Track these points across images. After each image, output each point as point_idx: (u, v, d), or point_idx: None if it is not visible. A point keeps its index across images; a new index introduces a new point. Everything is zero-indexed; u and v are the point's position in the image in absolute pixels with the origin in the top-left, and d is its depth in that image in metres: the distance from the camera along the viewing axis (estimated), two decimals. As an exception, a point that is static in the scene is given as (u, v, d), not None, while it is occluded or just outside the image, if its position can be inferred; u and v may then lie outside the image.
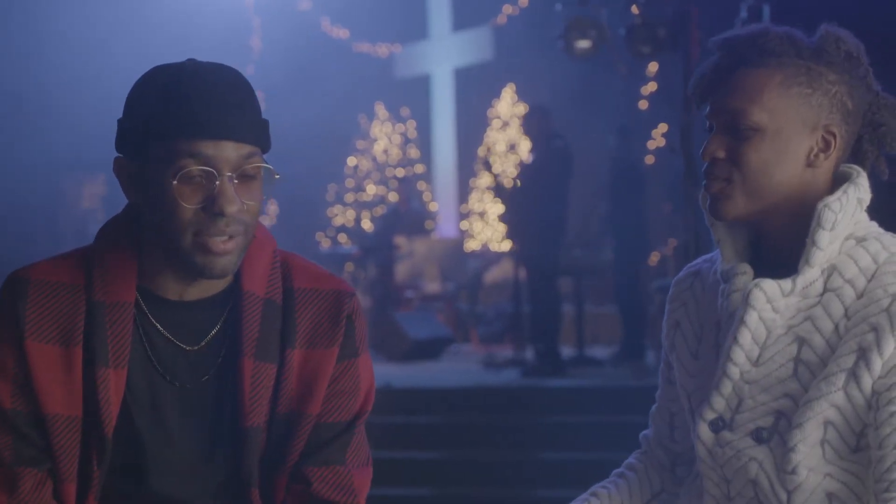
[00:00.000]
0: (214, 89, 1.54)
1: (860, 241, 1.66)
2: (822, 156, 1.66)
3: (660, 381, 1.94)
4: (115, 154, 1.61)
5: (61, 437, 1.57)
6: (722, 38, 1.72)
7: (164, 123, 1.52)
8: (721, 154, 1.67)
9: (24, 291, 1.58)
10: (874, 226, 1.69)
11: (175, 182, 1.52)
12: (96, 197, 12.47)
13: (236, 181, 1.55)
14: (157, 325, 1.63)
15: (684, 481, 1.90)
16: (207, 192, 1.53)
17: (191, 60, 1.59)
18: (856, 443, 1.62)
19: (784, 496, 1.64)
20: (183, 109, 1.52)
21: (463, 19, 13.79)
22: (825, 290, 1.64)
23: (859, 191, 1.66)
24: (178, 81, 1.54)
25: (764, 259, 1.72)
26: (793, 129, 1.65)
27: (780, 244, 1.70)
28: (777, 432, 1.64)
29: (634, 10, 6.31)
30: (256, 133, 1.58)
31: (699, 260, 1.89)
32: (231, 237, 1.55)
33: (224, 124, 1.53)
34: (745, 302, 1.65)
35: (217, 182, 1.53)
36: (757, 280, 1.65)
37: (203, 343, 1.64)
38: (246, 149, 1.56)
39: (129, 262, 1.61)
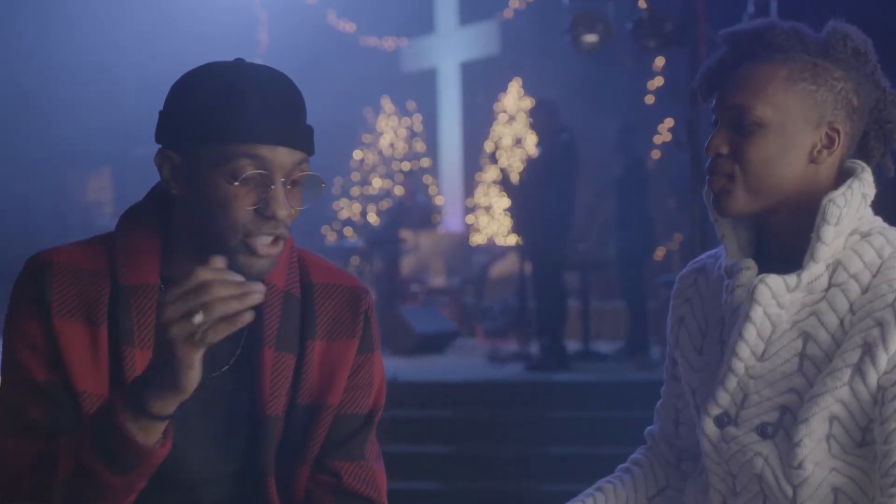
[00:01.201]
0: (274, 94, 1.56)
1: (865, 236, 1.65)
2: (825, 152, 1.66)
3: (664, 378, 1.94)
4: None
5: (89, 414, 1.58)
6: (728, 31, 1.72)
7: (223, 124, 1.53)
8: (724, 150, 1.67)
9: (47, 273, 1.59)
10: (878, 221, 1.69)
11: (236, 183, 1.53)
12: (102, 190, 12.48)
13: (288, 186, 1.57)
14: None
15: (690, 477, 1.91)
16: (260, 195, 1.55)
17: (241, 61, 1.60)
18: (861, 437, 1.62)
19: (790, 491, 1.64)
20: (245, 112, 1.53)
21: (469, 13, 13.78)
22: (830, 285, 1.64)
23: (864, 186, 1.66)
24: (239, 83, 1.55)
25: (768, 254, 1.72)
26: (797, 125, 1.65)
27: (784, 240, 1.70)
28: (782, 427, 1.64)
29: (642, 4, 6.30)
30: (307, 140, 1.60)
31: (703, 256, 1.89)
32: (276, 239, 1.58)
33: (281, 130, 1.55)
34: (751, 297, 1.65)
35: (272, 186, 1.55)
36: (762, 275, 1.65)
37: None
38: (298, 155, 1.58)
39: (152, 249, 1.63)
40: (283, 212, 1.55)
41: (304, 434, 1.69)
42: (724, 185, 1.67)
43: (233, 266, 1.57)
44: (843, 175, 1.69)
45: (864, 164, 1.69)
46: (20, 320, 1.60)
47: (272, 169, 1.55)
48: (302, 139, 1.59)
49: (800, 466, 1.62)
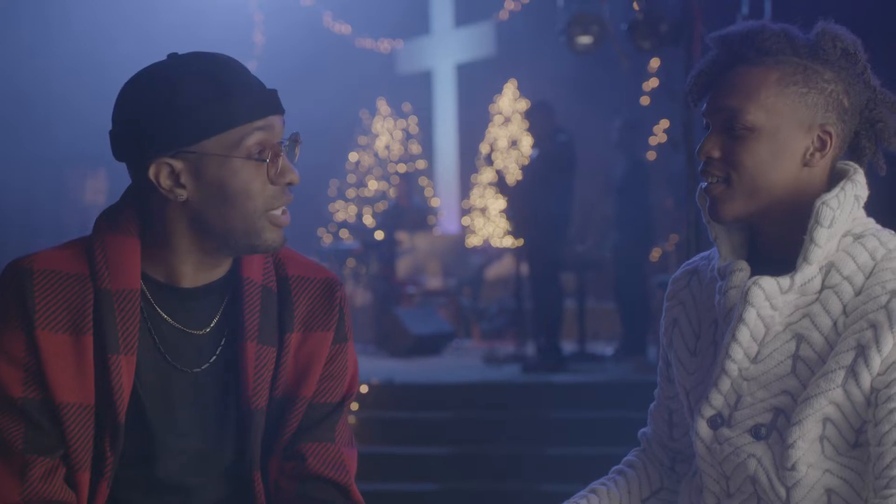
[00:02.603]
0: (244, 70, 1.60)
1: (858, 237, 1.66)
2: (817, 155, 1.66)
3: (658, 379, 1.94)
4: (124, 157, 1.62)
5: (74, 426, 1.57)
6: (718, 35, 1.72)
7: (229, 109, 1.55)
8: (716, 153, 1.67)
9: (29, 281, 1.57)
10: (871, 222, 1.69)
11: (258, 160, 1.57)
12: (98, 191, 12.47)
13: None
14: (161, 311, 1.64)
15: (683, 479, 1.91)
16: (272, 167, 1.59)
17: (175, 54, 1.61)
18: (854, 439, 1.62)
19: (783, 492, 1.64)
20: (244, 92, 1.56)
21: (465, 15, 13.79)
22: (823, 287, 1.64)
23: (856, 188, 1.66)
24: (215, 69, 1.57)
25: (761, 256, 1.72)
26: (789, 128, 1.65)
27: (777, 242, 1.70)
28: (776, 429, 1.64)
29: (635, 6, 6.30)
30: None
31: (696, 258, 1.89)
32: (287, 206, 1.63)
33: (271, 99, 1.61)
34: (744, 299, 1.65)
35: (280, 155, 1.60)
36: (755, 277, 1.65)
37: (207, 329, 1.67)
38: (281, 119, 1.63)
39: (132, 251, 1.62)
40: (295, 176, 1.61)
41: (278, 425, 1.70)
42: (722, 191, 1.67)
43: (255, 246, 1.61)
44: (834, 176, 1.69)
45: (856, 166, 1.69)
46: (0, 332, 1.57)
47: (277, 139, 1.59)
48: (280, 103, 1.63)
49: (793, 468, 1.62)
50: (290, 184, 1.60)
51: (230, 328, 1.68)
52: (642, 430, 1.99)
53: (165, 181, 1.57)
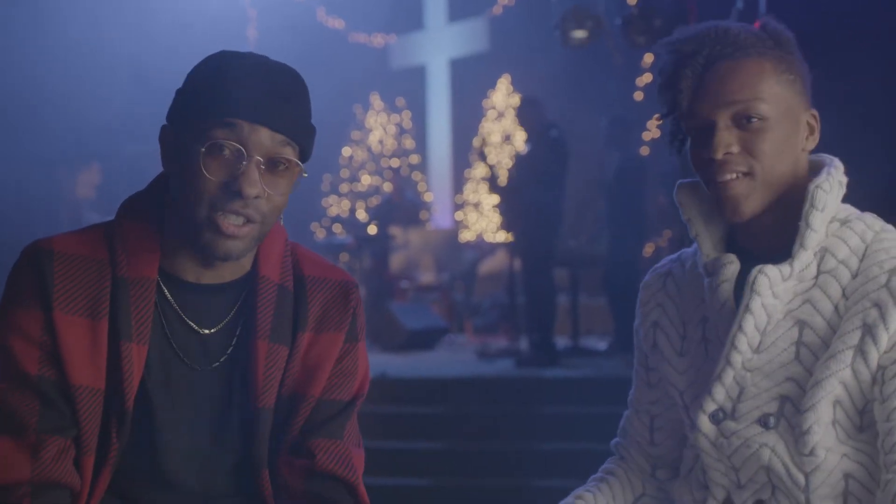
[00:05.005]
0: (269, 78, 1.58)
1: (844, 222, 1.68)
2: (810, 140, 1.70)
3: (635, 385, 1.93)
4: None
5: (85, 409, 1.58)
6: (680, 38, 1.69)
7: (212, 97, 1.55)
8: (736, 148, 1.65)
9: (49, 263, 1.58)
10: (852, 208, 1.71)
11: (203, 149, 1.54)
12: (90, 186, 12.45)
13: (263, 167, 1.57)
14: (175, 306, 1.65)
15: (665, 484, 1.91)
16: (232, 171, 1.55)
17: (252, 53, 1.63)
18: (860, 421, 1.63)
19: (801, 479, 1.64)
20: (234, 87, 1.55)
21: (458, 10, 13.78)
22: (819, 272, 1.65)
23: (839, 173, 1.69)
24: (233, 64, 1.58)
25: (741, 249, 1.72)
26: (789, 115, 1.67)
27: (763, 232, 1.70)
28: (783, 417, 1.65)
29: (631, 0, 6.29)
30: (297, 130, 1.60)
31: (665, 261, 1.90)
32: (246, 222, 1.57)
33: (266, 110, 1.56)
34: (751, 289, 1.65)
35: (244, 162, 1.55)
36: (760, 266, 1.66)
37: (218, 327, 1.67)
38: (280, 138, 1.58)
39: (151, 240, 1.63)
40: (251, 190, 1.55)
41: (286, 424, 1.70)
42: (745, 185, 1.65)
43: (198, 245, 1.58)
44: (811, 166, 1.71)
45: (831, 157, 1.72)
46: (17, 311, 1.58)
47: (248, 146, 1.55)
48: (289, 125, 1.58)
49: (811, 453, 1.63)
50: (239, 193, 1.54)
51: (243, 326, 1.68)
52: (615, 440, 1.99)
53: (163, 148, 1.62)
